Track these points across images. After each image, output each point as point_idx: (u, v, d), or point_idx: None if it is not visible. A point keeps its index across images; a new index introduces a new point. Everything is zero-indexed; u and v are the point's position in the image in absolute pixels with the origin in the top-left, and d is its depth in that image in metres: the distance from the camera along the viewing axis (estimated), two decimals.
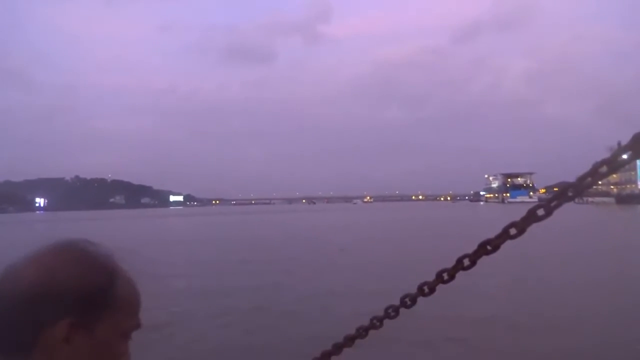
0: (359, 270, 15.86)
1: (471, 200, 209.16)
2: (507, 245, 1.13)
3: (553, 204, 1.00)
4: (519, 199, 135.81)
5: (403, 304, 1.33)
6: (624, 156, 0.86)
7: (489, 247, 1.12)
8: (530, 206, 1.07)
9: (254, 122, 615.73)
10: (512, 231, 1.09)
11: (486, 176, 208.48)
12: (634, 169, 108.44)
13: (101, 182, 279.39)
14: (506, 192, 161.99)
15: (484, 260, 1.16)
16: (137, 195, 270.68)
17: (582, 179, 0.93)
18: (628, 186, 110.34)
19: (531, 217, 1.06)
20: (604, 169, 0.91)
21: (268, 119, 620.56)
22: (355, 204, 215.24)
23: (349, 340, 1.46)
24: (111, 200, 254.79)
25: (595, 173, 0.92)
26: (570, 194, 0.98)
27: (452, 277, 1.21)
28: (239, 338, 8.56)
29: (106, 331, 0.73)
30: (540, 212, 1.04)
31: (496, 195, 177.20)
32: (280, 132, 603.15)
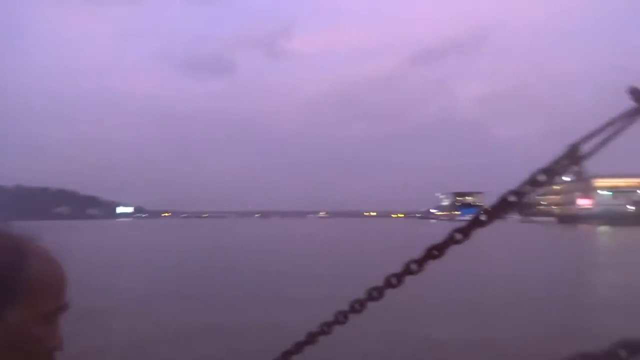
0: (308, 279, 16.04)
1: (422, 218, 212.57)
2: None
3: (495, 209, 1.03)
4: (467, 217, 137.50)
5: (352, 309, 1.34)
6: (560, 165, 0.89)
7: (435, 252, 1.15)
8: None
9: (210, 134, 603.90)
10: (458, 236, 1.12)
11: (437, 194, 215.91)
12: (574, 191, 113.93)
13: (44, 191, 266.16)
14: (456, 210, 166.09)
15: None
16: (83, 205, 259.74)
17: (521, 185, 0.96)
18: (568, 207, 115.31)
19: (475, 223, 1.09)
20: (542, 176, 0.95)
21: (225, 132, 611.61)
22: (308, 218, 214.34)
23: (298, 347, 1.45)
24: (55, 210, 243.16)
25: (534, 180, 0.96)
26: (511, 199, 1.00)
27: (400, 281, 1.23)
28: None
29: (21, 315, 0.67)
30: (483, 217, 1.08)
31: (446, 212, 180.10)
32: (236, 146, 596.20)
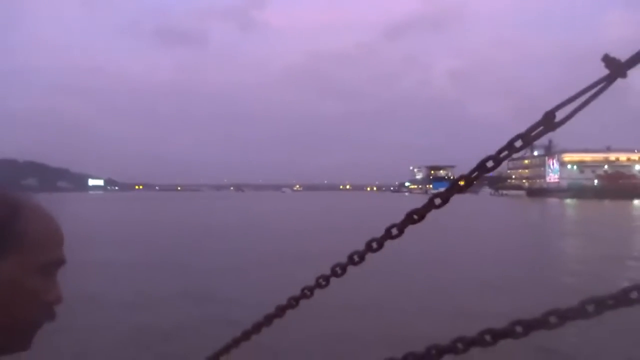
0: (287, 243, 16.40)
1: (396, 191, 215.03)
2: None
3: (473, 175, 1.06)
4: (441, 190, 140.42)
5: (334, 272, 1.37)
6: (536, 131, 0.93)
7: (415, 217, 1.17)
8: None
9: (182, 106, 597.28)
10: (437, 201, 1.14)
11: (411, 168, 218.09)
12: (543, 165, 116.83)
13: (12, 163, 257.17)
14: (429, 184, 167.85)
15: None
16: (53, 178, 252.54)
17: (499, 151, 1.00)
18: (538, 181, 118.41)
19: (453, 188, 1.12)
20: (519, 142, 0.98)
21: (197, 104, 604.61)
22: (284, 192, 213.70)
23: (280, 311, 1.48)
24: (23, 182, 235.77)
25: (510, 147, 0.99)
26: (489, 165, 1.03)
27: (380, 245, 1.26)
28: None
29: (14, 268, 0.66)
30: (461, 183, 1.11)
31: (420, 186, 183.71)
32: (209, 118, 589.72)
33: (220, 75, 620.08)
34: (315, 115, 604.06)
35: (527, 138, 0.97)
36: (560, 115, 0.93)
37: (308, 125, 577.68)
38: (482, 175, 1.07)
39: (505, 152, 1.01)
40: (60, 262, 0.72)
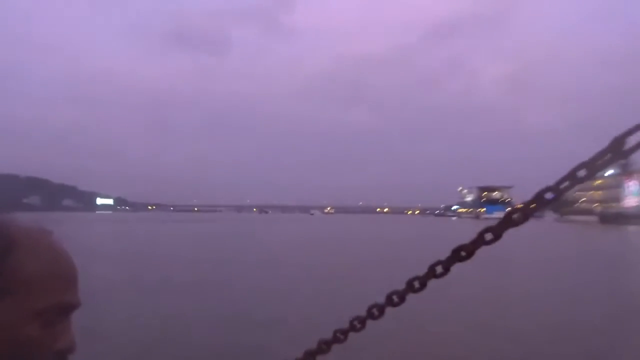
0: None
1: (440, 214, 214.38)
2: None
3: (530, 207, 1.04)
4: (495, 214, 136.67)
5: (370, 314, 1.36)
6: (604, 159, 0.90)
7: (463, 253, 1.17)
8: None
9: (199, 118, 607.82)
10: (488, 236, 1.13)
11: (459, 189, 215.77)
12: (620, 186, 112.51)
13: (13, 179, 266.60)
14: (481, 207, 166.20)
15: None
16: (57, 196, 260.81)
17: (560, 182, 0.97)
18: (613, 205, 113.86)
19: (507, 222, 1.10)
20: (582, 172, 0.96)
21: (216, 116, 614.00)
22: (313, 214, 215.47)
23: (310, 356, 1.48)
24: (24, 201, 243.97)
25: (573, 176, 0.97)
26: (547, 197, 1.02)
27: (423, 285, 1.25)
28: None
29: (6, 314, 0.64)
30: (517, 216, 1.09)
31: (470, 210, 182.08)
32: (229, 131, 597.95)
33: (241, 83, 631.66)
34: (348, 127, 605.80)
35: (593, 167, 0.95)
36: (632, 141, 0.90)
37: (340, 139, 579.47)
38: (540, 208, 1.06)
39: (567, 183, 0.99)
40: (68, 306, 0.70)
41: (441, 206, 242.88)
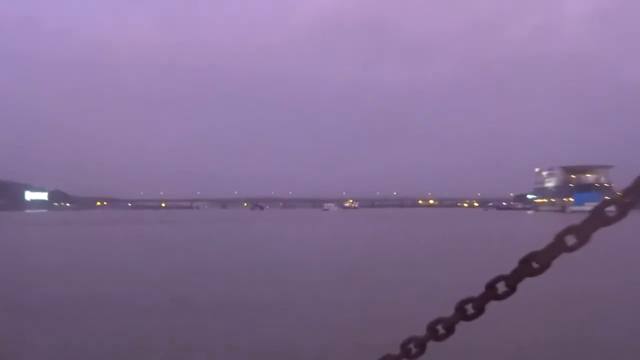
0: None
1: (509, 208, 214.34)
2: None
3: (631, 196, 1.02)
4: (587, 205, 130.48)
5: (405, 352, 1.41)
6: None
7: (535, 265, 1.16)
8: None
9: (165, 82, 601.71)
10: (570, 240, 1.10)
11: (536, 171, 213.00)
12: None
13: None
14: (568, 196, 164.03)
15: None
16: None
17: None
18: None
19: (598, 218, 1.08)
20: None
21: (187, 79, 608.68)
22: (327, 210, 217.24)
23: None
24: None
25: None
26: None
27: (479, 310, 1.27)
28: None
29: None
30: (612, 210, 1.06)
31: (552, 199, 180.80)
32: (206, 99, 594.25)
33: (219, 34, 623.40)
34: (373, 90, 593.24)
35: None
36: None
37: (362, 105, 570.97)
38: None
39: None
40: None
41: (510, 195, 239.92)
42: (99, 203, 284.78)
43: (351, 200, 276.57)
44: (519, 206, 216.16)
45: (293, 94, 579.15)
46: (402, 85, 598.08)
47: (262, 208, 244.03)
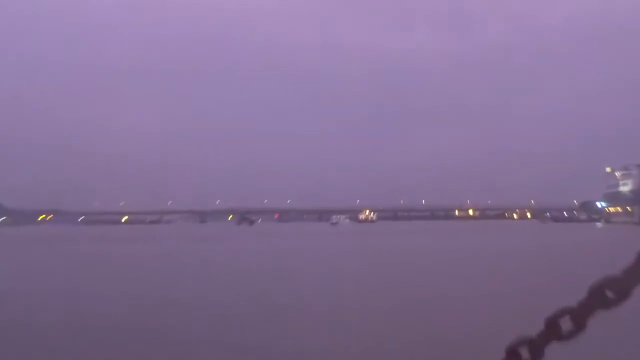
0: None
1: (572, 219, 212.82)
2: None
3: None
4: None
5: None
6: None
7: (609, 295, 1.17)
8: None
9: (132, 59, 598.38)
10: None
11: (608, 171, 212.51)
12: None
13: None
14: None
15: None
16: None
17: None
18: None
19: None
20: None
21: (164, 57, 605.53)
22: (335, 224, 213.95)
23: None
24: None
25: None
26: None
27: (541, 351, 1.27)
28: None
29: None
30: None
31: (629, 208, 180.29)
32: (184, 85, 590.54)
33: (200, 4, 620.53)
34: (396, 63, 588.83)
35: None
36: None
37: (383, 86, 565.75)
38: None
39: None
40: None
41: (574, 202, 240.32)
42: (42, 217, 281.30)
43: (367, 211, 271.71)
44: (583, 217, 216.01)
45: (295, 68, 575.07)
46: (433, 55, 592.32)
47: (251, 222, 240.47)
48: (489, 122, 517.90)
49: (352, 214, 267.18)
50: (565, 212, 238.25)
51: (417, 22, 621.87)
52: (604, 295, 1.16)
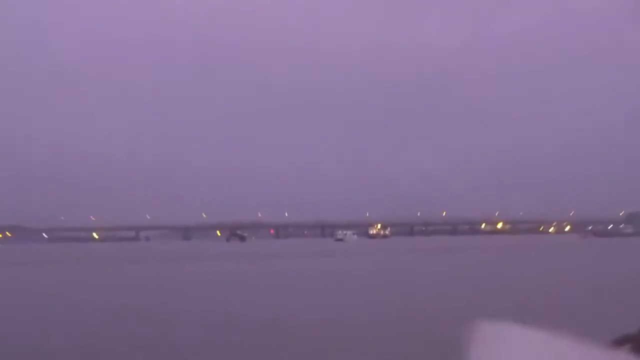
0: None
1: (619, 233, 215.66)
2: None
3: None
4: None
5: None
6: None
7: None
8: None
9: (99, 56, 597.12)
10: None
11: None
12: None
13: None
14: None
15: None
16: None
17: None
18: None
19: None
20: None
21: (126, 50, 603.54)
22: (341, 240, 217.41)
23: None
24: None
25: None
26: None
27: None
28: None
29: None
30: None
31: None
32: (160, 85, 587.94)
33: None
34: (411, 57, 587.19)
35: None
36: None
37: (396, 84, 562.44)
38: None
39: None
40: None
41: (620, 214, 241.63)
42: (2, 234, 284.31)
43: (379, 225, 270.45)
44: (629, 230, 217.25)
45: (296, 64, 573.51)
46: (448, 48, 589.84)
47: (242, 238, 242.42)
48: (515, 121, 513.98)
49: (361, 228, 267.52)
50: (610, 226, 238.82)
51: (427, 14, 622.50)
52: None
